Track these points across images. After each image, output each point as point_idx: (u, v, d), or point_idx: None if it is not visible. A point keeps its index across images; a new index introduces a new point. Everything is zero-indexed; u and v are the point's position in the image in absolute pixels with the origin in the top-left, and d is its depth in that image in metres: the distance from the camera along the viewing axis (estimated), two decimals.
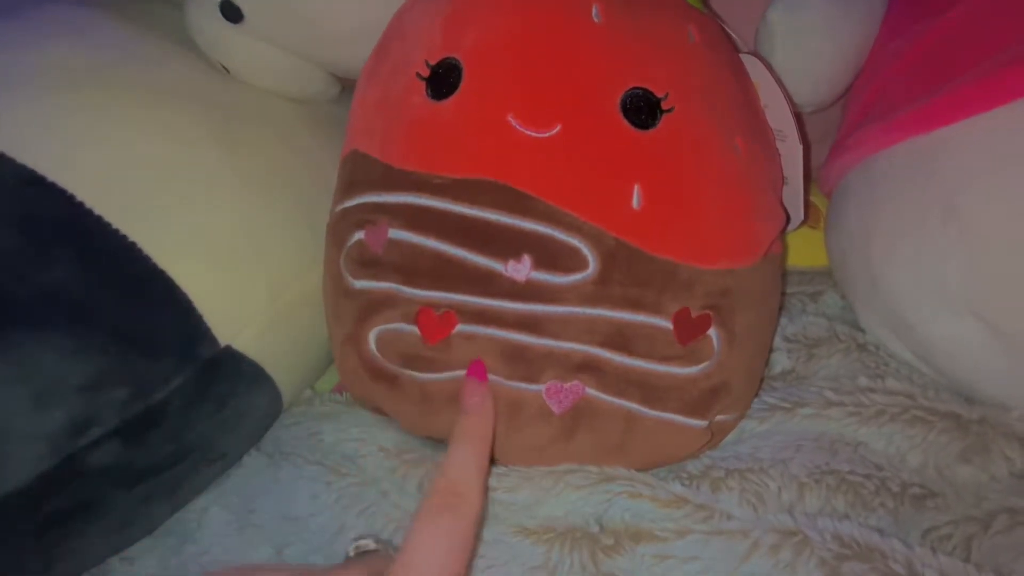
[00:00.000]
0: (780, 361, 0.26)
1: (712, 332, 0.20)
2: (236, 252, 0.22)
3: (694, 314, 0.19)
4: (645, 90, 0.19)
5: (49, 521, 0.19)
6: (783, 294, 0.28)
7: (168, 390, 0.20)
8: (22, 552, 0.19)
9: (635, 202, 0.18)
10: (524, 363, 0.19)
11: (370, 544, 0.18)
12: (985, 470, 0.20)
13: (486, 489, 0.17)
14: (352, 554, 0.18)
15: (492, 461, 0.21)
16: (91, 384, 0.18)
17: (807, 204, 0.26)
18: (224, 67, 0.25)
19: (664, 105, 0.19)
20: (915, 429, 0.21)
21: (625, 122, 0.18)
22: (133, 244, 0.20)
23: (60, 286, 0.18)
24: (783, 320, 0.27)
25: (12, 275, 0.18)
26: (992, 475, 0.20)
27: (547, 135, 0.18)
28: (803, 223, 0.27)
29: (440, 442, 0.22)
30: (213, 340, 0.21)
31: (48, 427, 0.18)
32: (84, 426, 0.18)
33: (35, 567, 0.20)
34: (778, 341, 0.26)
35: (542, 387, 0.19)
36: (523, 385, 0.19)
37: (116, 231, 0.19)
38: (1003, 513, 0.19)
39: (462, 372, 0.19)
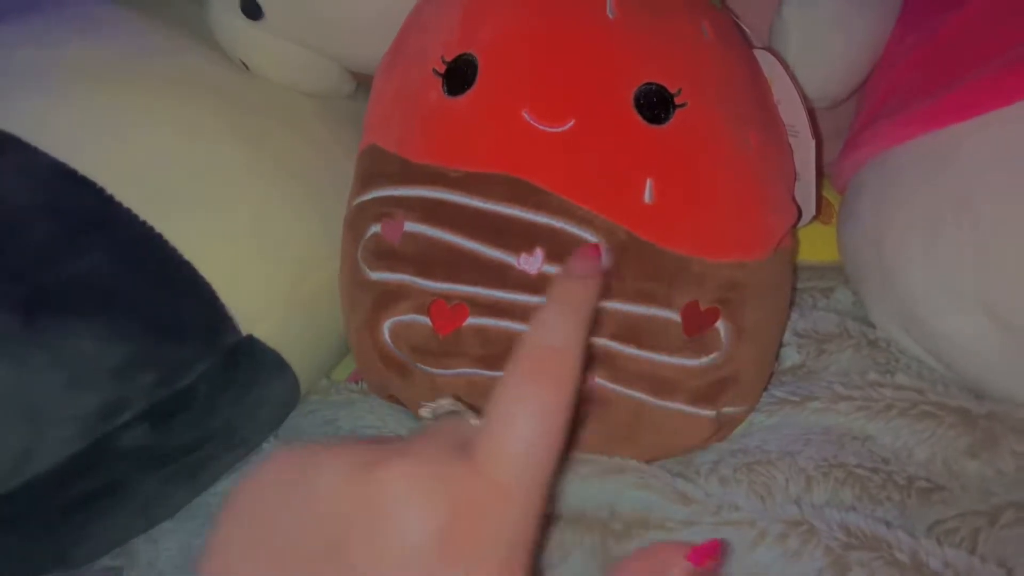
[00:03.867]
0: (790, 356, 0.26)
1: (720, 325, 0.20)
2: (256, 244, 0.23)
3: (703, 307, 0.20)
4: (658, 85, 0.19)
5: (76, 502, 0.20)
6: (794, 289, 0.28)
7: (193, 376, 0.20)
8: (49, 531, 0.20)
9: (647, 196, 0.19)
10: None
11: (449, 405, 0.15)
12: (992, 465, 0.20)
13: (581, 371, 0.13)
14: (429, 416, 0.15)
15: None
16: (121, 368, 0.19)
17: (819, 199, 0.26)
18: (244, 63, 0.26)
19: (677, 100, 0.19)
20: (923, 424, 0.21)
21: (638, 117, 0.19)
22: (159, 235, 0.20)
23: (90, 275, 0.19)
24: (794, 315, 0.27)
25: (45, 264, 0.19)
26: (999, 470, 0.20)
27: (561, 130, 0.18)
28: (815, 218, 0.27)
29: None
30: (235, 329, 0.21)
31: (81, 410, 0.19)
32: (115, 409, 0.19)
33: (60, 546, 0.21)
34: (788, 336, 0.26)
35: None
36: None
37: (143, 222, 0.20)
38: (1009, 508, 0.19)
39: (471, 369, 0.20)
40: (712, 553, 0.14)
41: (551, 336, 0.14)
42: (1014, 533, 0.19)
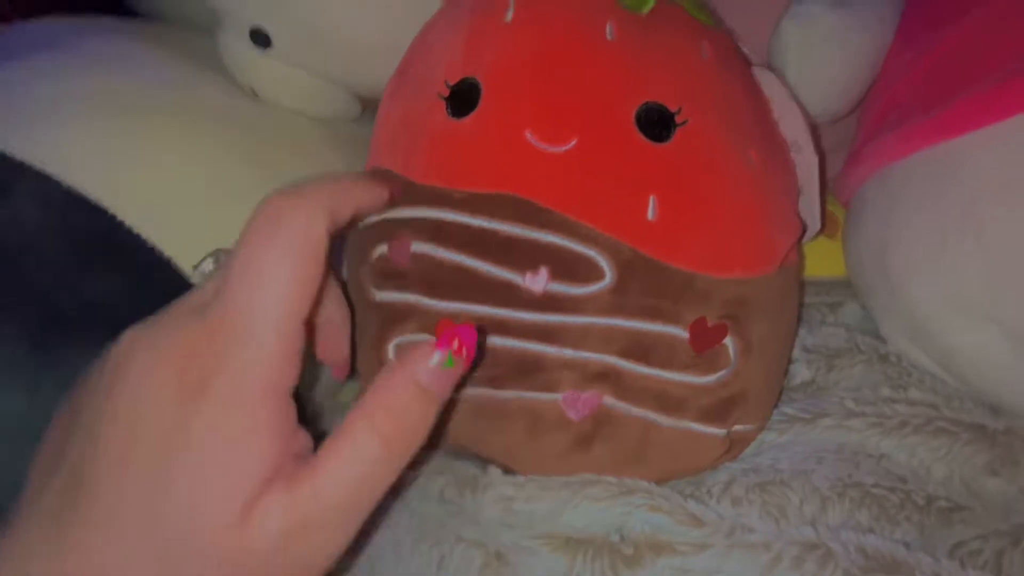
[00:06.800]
0: (800, 372, 0.25)
1: (728, 341, 0.20)
2: None
3: (710, 323, 0.20)
4: (659, 104, 0.19)
5: None
6: (802, 304, 0.28)
7: None
8: None
9: (650, 213, 0.19)
10: (541, 373, 0.19)
11: (211, 263, 0.17)
12: (1013, 482, 0.20)
13: None
14: (199, 279, 0.17)
15: (511, 471, 0.21)
16: None
17: (824, 214, 0.25)
18: (253, 90, 0.27)
19: (678, 118, 0.19)
20: (939, 440, 0.21)
21: (640, 135, 0.19)
22: (168, 260, 0.21)
23: (101, 298, 0.19)
24: (802, 331, 0.27)
25: (58, 287, 0.19)
26: (1021, 487, 0.20)
27: (563, 149, 0.19)
28: (821, 233, 0.27)
29: (458, 452, 0.22)
30: None
31: None
32: None
33: None
34: (798, 352, 0.26)
35: (559, 396, 0.19)
36: (541, 395, 0.20)
37: (152, 248, 0.21)
38: None
39: (476, 388, 0.20)
40: (463, 335, 0.15)
41: (284, 195, 0.14)
42: None
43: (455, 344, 0.14)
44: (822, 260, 0.29)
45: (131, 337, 0.14)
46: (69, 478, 0.14)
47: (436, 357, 0.15)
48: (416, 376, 0.15)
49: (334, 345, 0.20)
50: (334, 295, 0.19)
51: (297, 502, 0.13)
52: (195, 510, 0.13)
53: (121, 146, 0.22)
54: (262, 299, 0.13)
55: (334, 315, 0.19)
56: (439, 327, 0.20)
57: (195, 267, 0.17)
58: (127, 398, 0.14)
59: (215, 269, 0.15)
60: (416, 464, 0.20)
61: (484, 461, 0.21)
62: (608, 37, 0.19)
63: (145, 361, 0.14)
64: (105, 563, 0.13)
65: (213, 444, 0.13)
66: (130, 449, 0.13)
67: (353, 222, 0.16)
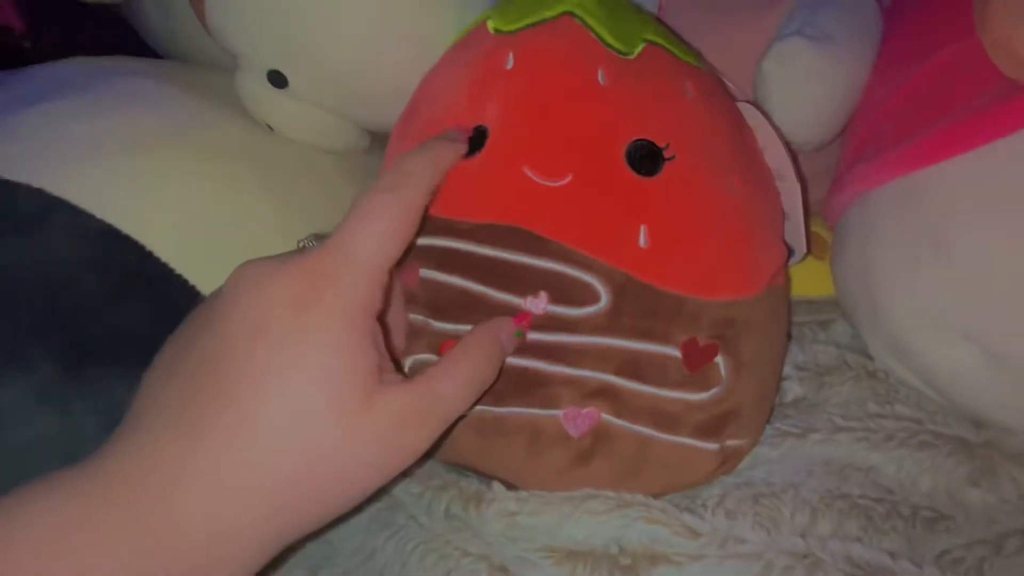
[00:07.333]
0: (792, 389, 0.26)
1: (719, 360, 0.21)
2: None
3: (701, 343, 0.21)
4: (648, 141, 0.20)
5: None
6: (793, 323, 0.29)
7: None
8: None
9: (642, 241, 0.20)
10: (542, 389, 0.20)
11: (313, 239, 0.20)
12: (994, 493, 0.21)
13: (433, 191, 0.19)
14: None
15: (512, 487, 0.22)
16: None
17: (810, 237, 0.27)
18: (269, 126, 0.28)
19: (666, 154, 0.21)
20: (924, 453, 0.22)
21: (630, 170, 0.20)
22: (195, 288, 0.22)
23: (132, 327, 0.21)
24: (794, 349, 0.28)
25: (91, 316, 0.21)
26: (1001, 497, 0.20)
27: (560, 184, 0.20)
28: (809, 254, 0.28)
29: (464, 469, 0.23)
30: None
31: None
32: None
33: None
34: (789, 369, 0.27)
35: (559, 412, 0.21)
36: (542, 411, 0.21)
37: (180, 277, 0.22)
38: (1014, 536, 0.19)
39: (482, 407, 0.21)
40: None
41: (404, 163, 0.18)
42: (1020, 561, 0.19)
43: (524, 323, 0.20)
44: (812, 280, 0.31)
45: (245, 266, 0.17)
46: (192, 374, 0.15)
47: (513, 327, 0.20)
48: (500, 337, 0.19)
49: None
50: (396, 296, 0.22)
51: (419, 394, 0.17)
52: (319, 397, 0.15)
53: (150, 181, 0.23)
54: (370, 243, 0.17)
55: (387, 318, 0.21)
56: (443, 348, 0.21)
57: (299, 242, 0.20)
58: (249, 303, 0.16)
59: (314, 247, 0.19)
60: (408, 472, 0.22)
61: (488, 478, 0.22)
62: (600, 81, 0.21)
63: (263, 277, 0.16)
64: (232, 441, 0.15)
65: (332, 342, 0.15)
66: (255, 343, 0.15)
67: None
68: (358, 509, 0.23)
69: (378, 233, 0.17)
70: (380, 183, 0.17)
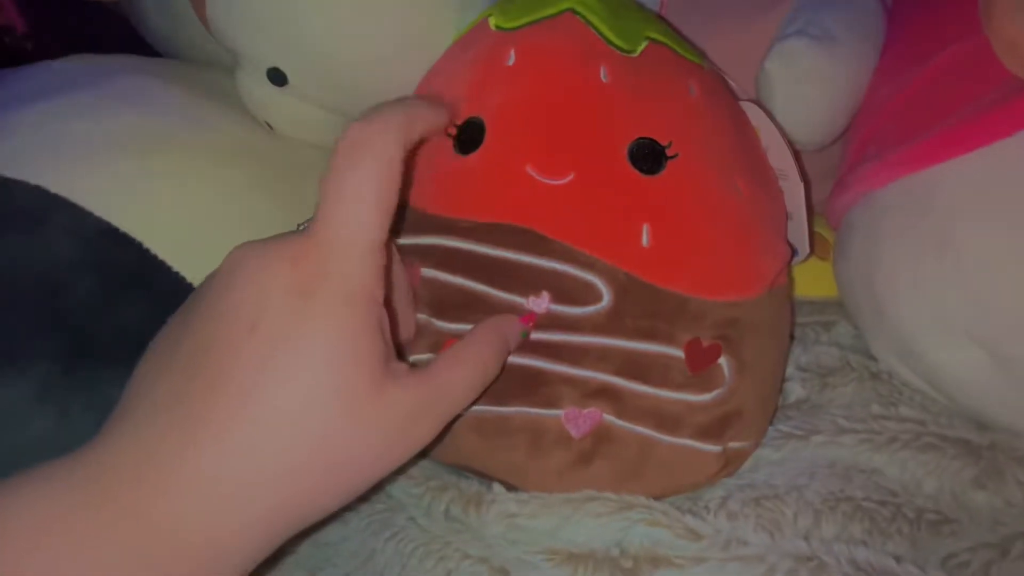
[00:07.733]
0: (794, 390, 0.26)
1: (722, 360, 0.21)
2: None
3: (704, 343, 0.21)
4: (650, 140, 0.20)
5: None
6: (796, 324, 0.29)
7: None
8: None
9: (644, 240, 0.20)
10: (543, 387, 0.20)
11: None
12: (999, 495, 0.20)
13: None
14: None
15: (513, 488, 0.22)
16: None
17: (813, 237, 0.27)
18: (269, 124, 0.28)
19: (668, 152, 0.21)
20: (928, 455, 0.22)
21: (633, 169, 0.20)
22: (193, 287, 0.22)
23: (132, 326, 0.21)
24: (797, 350, 0.28)
25: (90, 316, 0.20)
26: (1007, 500, 0.20)
27: (562, 182, 0.20)
28: (812, 255, 0.28)
29: (464, 469, 0.23)
30: None
31: None
32: None
33: None
34: (792, 371, 0.27)
35: (561, 412, 0.20)
36: (543, 411, 0.20)
37: (180, 276, 0.22)
38: (1020, 539, 0.19)
39: (482, 407, 0.20)
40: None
41: (366, 123, 0.16)
42: None
43: (529, 323, 0.20)
44: (815, 281, 0.30)
45: (241, 248, 0.16)
46: (187, 364, 0.15)
47: (519, 326, 0.20)
48: (505, 332, 0.19)
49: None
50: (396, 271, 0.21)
51: (426, 386, 0.16)
52: (327, 384, 0.15)
53: (150, 180, 0.23)
54: (350, 221, 0.16)
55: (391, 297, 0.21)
56: (445, 347, 0.21)
57: (299, 226, 0.21)
58: (245, 286, 0.15)
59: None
60: (404, 469, 0.21)
61: (488, 479, 0.22)
62: (603, 79, 0.21)
63: (259, 260, 0.16)
64: (232, 433, 0.14)
65: (338, 328, 0.15)
66: (254, 324, 0.15)
67: (422, 142, 0.19)
68: (352, 506, 0.23)
69: (362, 202, 0.16)
70: (348, 136, 0.16)
